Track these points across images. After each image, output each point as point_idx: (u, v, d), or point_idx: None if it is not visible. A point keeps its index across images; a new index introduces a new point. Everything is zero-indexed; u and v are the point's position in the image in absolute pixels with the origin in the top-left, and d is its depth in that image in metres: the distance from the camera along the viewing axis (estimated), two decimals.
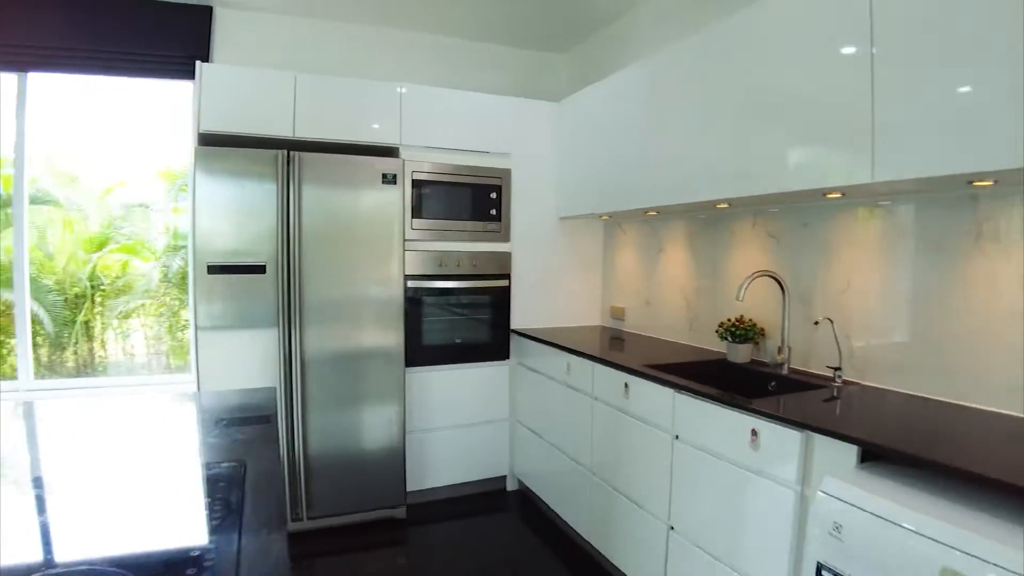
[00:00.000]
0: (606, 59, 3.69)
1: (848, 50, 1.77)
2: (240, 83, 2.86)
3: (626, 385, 2.43)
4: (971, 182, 1.63)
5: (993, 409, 1.71)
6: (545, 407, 3.11)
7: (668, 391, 2.19)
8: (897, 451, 1.41)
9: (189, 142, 3.48)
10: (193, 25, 3.26)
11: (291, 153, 2.79)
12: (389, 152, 3.14)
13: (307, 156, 2.81)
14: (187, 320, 4.64)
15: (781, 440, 1.72)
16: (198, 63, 2.83)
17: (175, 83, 3.42)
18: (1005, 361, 1.69)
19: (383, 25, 3.65)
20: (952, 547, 1.18)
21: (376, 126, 3.10)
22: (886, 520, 1.31)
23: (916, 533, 1.24)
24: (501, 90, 3.63)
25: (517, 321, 3.43)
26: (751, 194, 2.17)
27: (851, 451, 1.54)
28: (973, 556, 1.14)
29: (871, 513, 1.34)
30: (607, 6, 3.45)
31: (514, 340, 3.42)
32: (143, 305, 5.04)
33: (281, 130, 2.92)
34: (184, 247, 4.65)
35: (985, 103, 1.43)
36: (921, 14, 1.57)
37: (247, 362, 2.78)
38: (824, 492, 1.46)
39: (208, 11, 3.29)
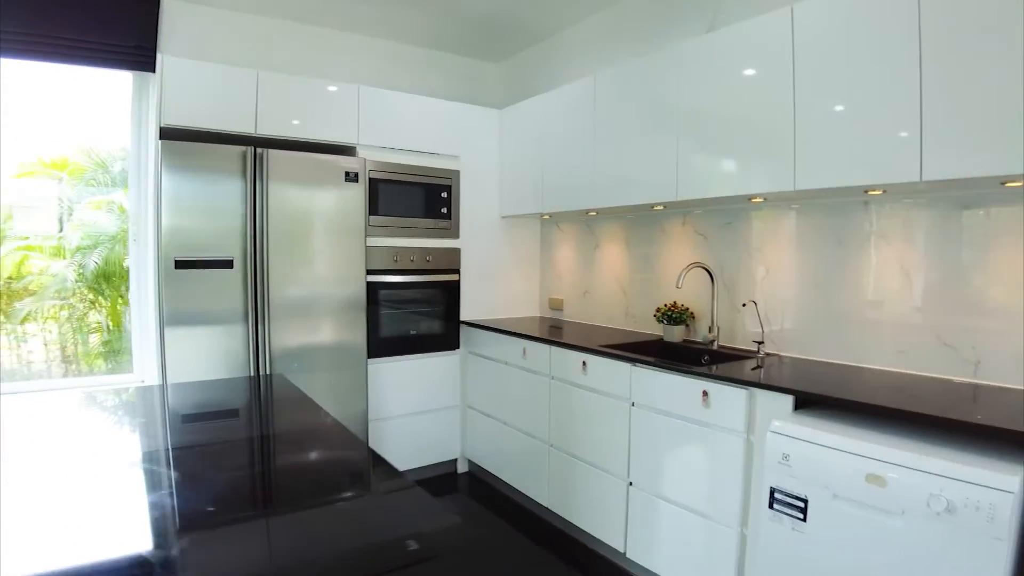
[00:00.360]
0: (538, 71, 4.04)
1: (776, 82, 2.20)
2: (203, 78, 2.87)
3: (584, 363, 2.76)
4: (866, 191, 2.12)
5: (886, 368, 2.22)
6: (499, 390, 3.38)
7: (625, 365, 2.54)
8: (828, 397, 1.84)
9: (129, 134, 3.41)
10: (140, 15, 3.18)
11: (258, 150, 2.85)
12: (347, 151, 3.26)
13: (274, 153, 2.88)
14: (98, 323, 4.42)
15: (729, 398, 2.12)
16: (160, 55, 2.82)
17: (102, 73, 3.30)
18: (892, 331, 2.21)
19: (329, 27, 3.74)
20: (873, 458, 1.61)
21: (335, 125, 3.21)
22: (824, 446, 1.72)
23: (847, 452, 1.66)
24: (440, 93, 3.86)
25: (466, 313, 3.67)
26: (693, 198, 2.58)
27: (787, 401, 1.95)
28: (887, 463, 1.57)
29: (812, 443, 1.75)
30: (539, 25, 3.79)
31: (464, 331, 3.66)
32: (39, 308, 4.68)
33: (244, 126, 2.96)
34: (92, 247, 4.40)
35: (876, 133, 1.90)
36: (832, 59, 2.03)
37: (215, 357, 2.80)
38: (774, 432, 1.86)
39: (156, 1, 3.23)
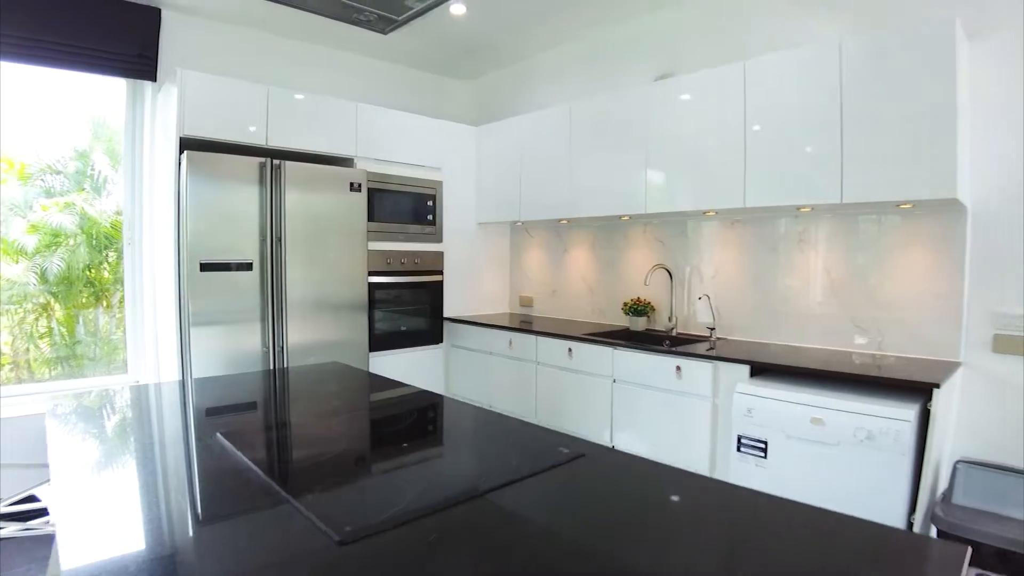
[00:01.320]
0: (506, 91, 4.54)
1: (730, 121, 2.78)
2: (218, 91, 3.09)
3: (570, 349, 3.25)
4: (799, 208, 2.74)
5: (814, 346, 2.86)
6: (484, 378, 3.80)
7: (608, 349, 3.06)
8: (777, 365, 2.43)
9: (123, 140, 3.54)
10: (141, 25, 3.34)
11: (275, 161, 3.12)
12: (345, 162, 3.58)
13: (289, 164, 3.16)
14: (48, 328, 4.40)
15: (698, 370, 2.68)
16: (179, 69, 3.00)
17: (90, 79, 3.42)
18: (817, 317, 2.85)
19: (313, 42, 4.01)
20: (815, 406, 2.19)
21: (336, 138, 3.51)
22: (778, 400, 2.30)
23: (796, 404, 2.24)
24: (411, 107, 4.22)
25: (448, 310, 4.06)
26: (659, 211, 3.13)
27: (745, 370, 2.53)
28: (825, 408, 2.16)
29: (769, 398, 2.33)
30: (510, 50, 4.26)
31: (447, 326, 4.05)
32: None
33: (256, 138, 3.21)
34: (50, 249, 4.37)
35: (808, 164, 2.52)
36: (775, 105, 2.63)
37: (235, 353, 3.04)
38: (739, 392, 2.42)
39: (156, 13, 3.40)
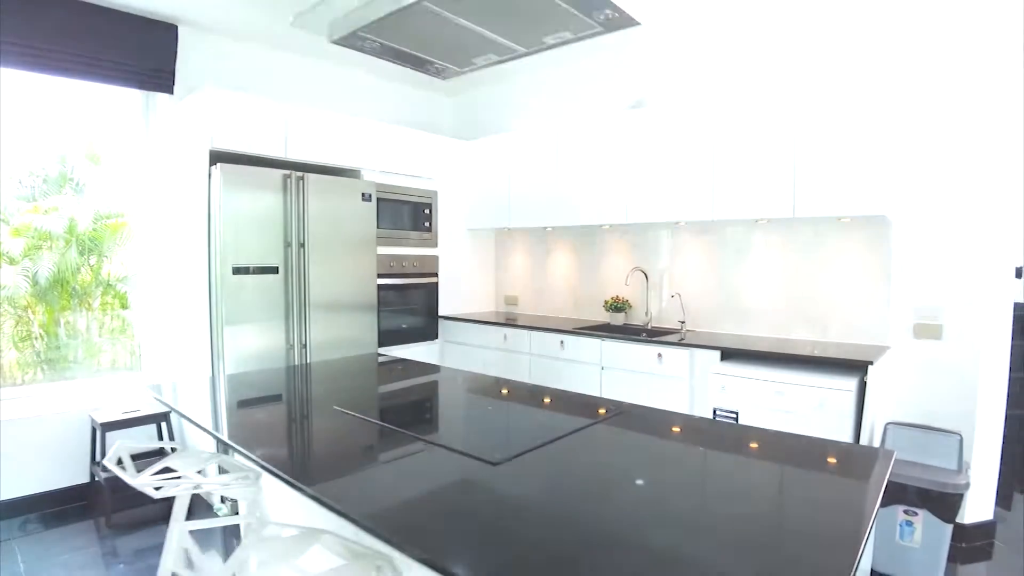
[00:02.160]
0: (482, 109, 5.00)
1: (702, 147, 3.29)
2: (243, 107, 3.35)
3: (562, 342, 3.69)
4: (757, 220, 3.28)
5: (770, 335, 3.40)
6: (479, 371, 4.18)
7: (596, 340, 3.52)
8: (743, 350, 2.94)
9: (136, 149, 3.75)
10: (159, 41, 3.57)
11: (297, 173, 3.42)
12: (352, 173, 3.90)
13: (311, 176, 3.47)
14: (28, 332, 4.50)
15: (677, 356, 3.17)
16: (208, 86, 3.26)
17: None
18: (773, 311, 3.39)
19: (305, 55, 4.27)
20: (777, 382, 2.71)
21: (346, 151, 3.84)
22: (747, 378, 2.81)
23: (761, 380, 2.76)
24: (402, 120, 4.58)
25: (443, 309, 4.44)
26: (639, 222, 3.62)
27: (716, 354, 3.03)
28: (785, 383, 2.68)
29: (739, 376, 2.83)
30: (493, 71, 4.65)
31: (442, 324, 4.42)
32: None
33: (276, 151, 3.50)
34: (35, 251, 4.45)
35: (767, 184, 3.05)
36: (738, 135, 3.15)
37: (262, 350, 3.32)
38: (715, 373, 2.92)
39: (174, 29, 3.63)
